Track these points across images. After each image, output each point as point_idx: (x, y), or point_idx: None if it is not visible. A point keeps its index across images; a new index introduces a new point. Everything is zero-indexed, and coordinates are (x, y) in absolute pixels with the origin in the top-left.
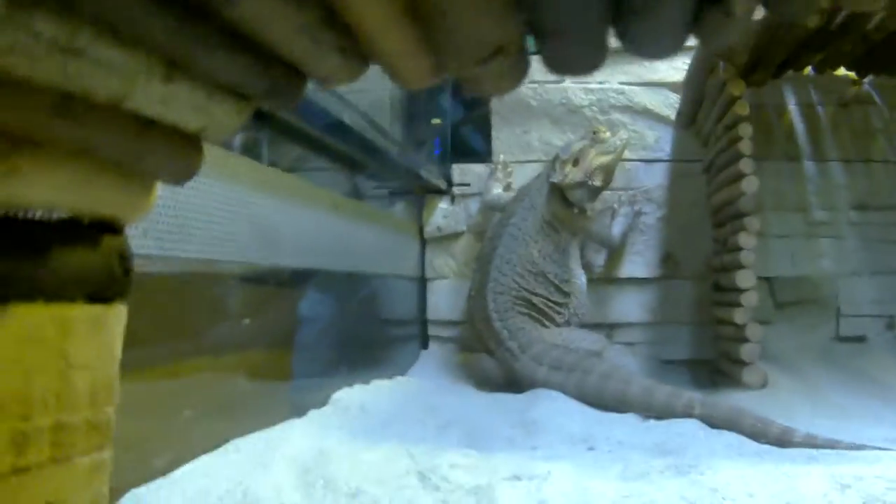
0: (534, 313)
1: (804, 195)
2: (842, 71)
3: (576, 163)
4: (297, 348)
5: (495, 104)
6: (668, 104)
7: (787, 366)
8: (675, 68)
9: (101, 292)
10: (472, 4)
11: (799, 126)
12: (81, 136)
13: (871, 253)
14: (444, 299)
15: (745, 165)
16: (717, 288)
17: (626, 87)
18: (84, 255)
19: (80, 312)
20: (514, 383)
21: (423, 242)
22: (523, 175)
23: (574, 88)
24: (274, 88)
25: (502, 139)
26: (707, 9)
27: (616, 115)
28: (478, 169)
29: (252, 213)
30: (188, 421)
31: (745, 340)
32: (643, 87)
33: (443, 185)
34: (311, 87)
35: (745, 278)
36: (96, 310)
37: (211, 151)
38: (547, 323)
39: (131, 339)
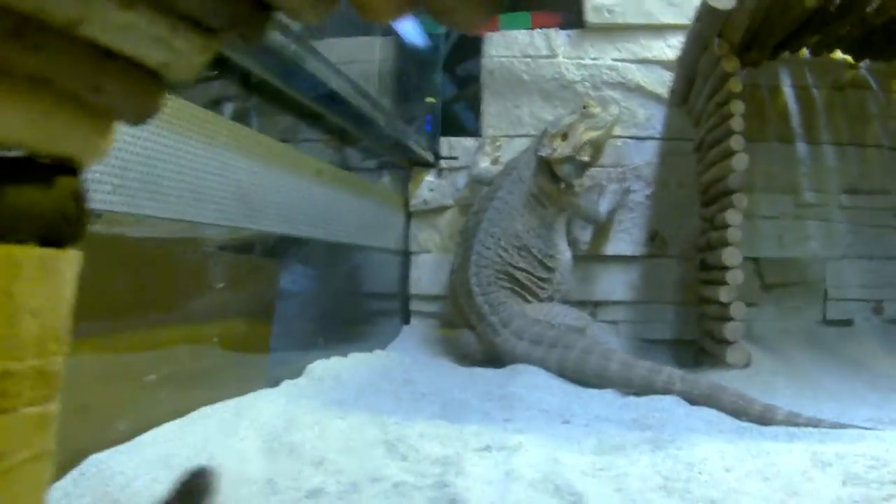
0: (516, 288)
1: (795, 177)
2: (838, 54)
3: (565, 137)
4: (275, 319)
5: (486, 78)
6: (661, 82)
7: (772, 347)
8: (670, 46)
9: (53, 234)
10: None
11: (793, 108)
12: (38, 64)
13: (860, 237)
14: (428, 274)
15: (736, 142)
16: (703, 266)
17: (619, 64)
18: (37, 194)
19: (31, 254)
20: (494, 358)
21: (409, 215)
22: (512, 150)
23: (567, 63)
24: (236, 19)
25: (492, 113)
26: None
27: (608, 92)
28: (466, 142)
29: (230, 175)
30: (155, 388)
31: (730, 319)
32: (636, 64)
33: (430, 157)
34: (302, 55)
35: (731, 256)
36: (48, 252)
37: (188, 109)
38: (530, 298)
39: (102, 303)
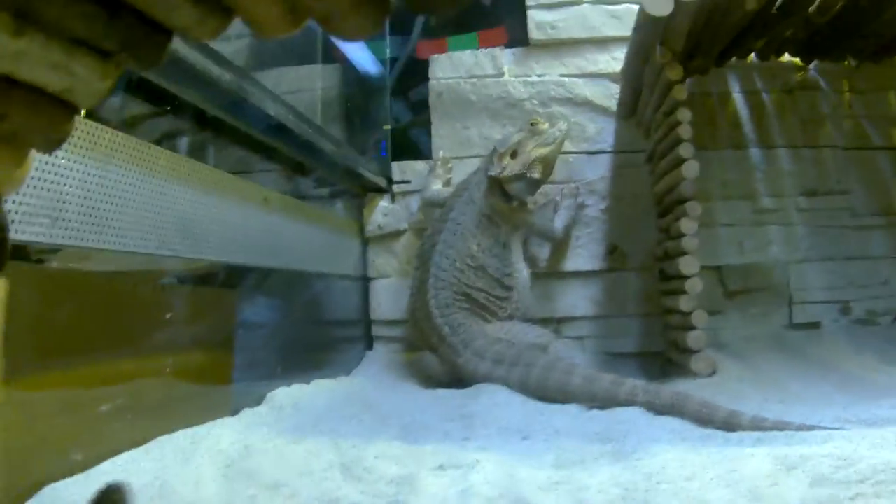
0: (476, 308)
1: (751, 183)
2: (786, 57)
3: (514, 155)
4: (235, 348)
5: (434, 101)
6: (609, 95)
7: (738, 354)
8: (615, 59)
9: None
10: None
11: (744, 114)
12: None
13: (822, 238)
14: (388, 298)
15: (685, 150)
16: (662, 277)
17: (566, 80)
18: None
19: None
20: (458, 379)
21: (365, 241)
22: (464, 171)
23: (513, 82)
24: (130, 42)
25: (442, 135)
26: None
27: (557, 108)
28: (418, 166)
29: (170, 205)
30: (113, 419)
31: (692, 328)
32: (583, 79)
33: (383, 182)
34: (251, 90)
35: (688, 264)
36: None
37: (125, 140)
38: (489, 318)
39: (59, 337)
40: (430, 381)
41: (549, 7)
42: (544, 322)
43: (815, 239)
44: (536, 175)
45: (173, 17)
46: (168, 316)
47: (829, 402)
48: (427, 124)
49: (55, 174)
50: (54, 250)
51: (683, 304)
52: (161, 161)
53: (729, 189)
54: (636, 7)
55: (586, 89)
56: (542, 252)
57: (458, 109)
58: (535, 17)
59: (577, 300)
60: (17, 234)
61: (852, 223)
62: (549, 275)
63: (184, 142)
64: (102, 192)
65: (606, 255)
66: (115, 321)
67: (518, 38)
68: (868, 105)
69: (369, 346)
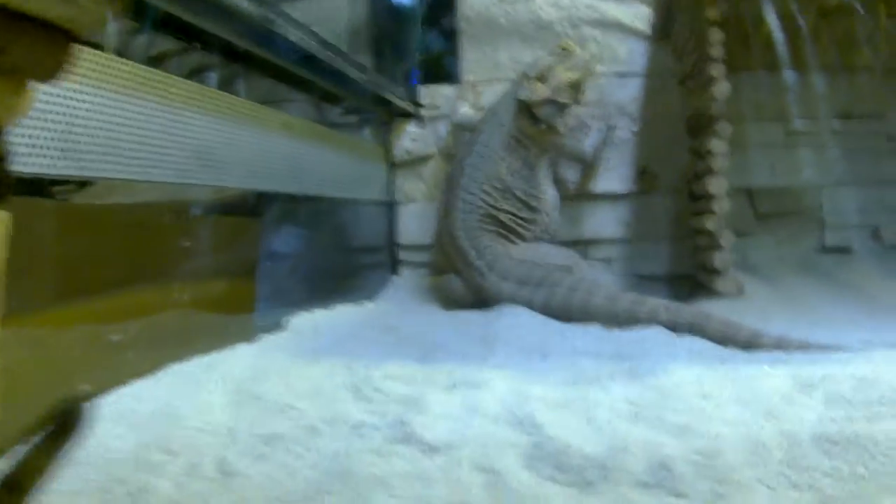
0: (502, 231)
1: (784, 105)
2: None
3: (543, 79)
4: (255, 277)
5: (464, 24)
6: (640, 16)
7: (767, 276)
8: None
9: None
10: None
11: (778, 36)
12: None
13: (855, 162)
14: (415, 223)
15: (716, 70)
16: (691, 197)
17: (595, 2)
18: None
19: None
20: (482, 302)
21: (393, 166)
22: (494, 95)
23: (543, 4)
24: None
25: (471, 59)
26: None
27: (587, 30)
28: (446, 90)
29: (187, 133)
30: (126, 350)
31: (719, 248)
32: (614, 1)
33: (411, 108)
34: (277, 20)
35: (716, 184)
36: None
37: (138, 70)
38: (515, 240)
39: (78, 270)
40: (455, 303)
41: None
42: (573, 244)
43: (848, 163)
44: (566, 99)
45: None
46: (190, 246)
47: (857, 326)
48: (457, 49)
49: (66, 105)
50: (80, 185)
51: (710, 223)
52: (174, 89)
53: (762, 111)
54: None
55: (617, 11)
56: (572, 174)
57: (487, 33)
58: None
59: (607, 222)
60: (24, 167)
61: (887, 147)
62: (579, 197)
63: (211, 75)
64: (115, 122)
65: (637, 177)
66: (135, 253)
67: None
68: None
69: (395, 271)
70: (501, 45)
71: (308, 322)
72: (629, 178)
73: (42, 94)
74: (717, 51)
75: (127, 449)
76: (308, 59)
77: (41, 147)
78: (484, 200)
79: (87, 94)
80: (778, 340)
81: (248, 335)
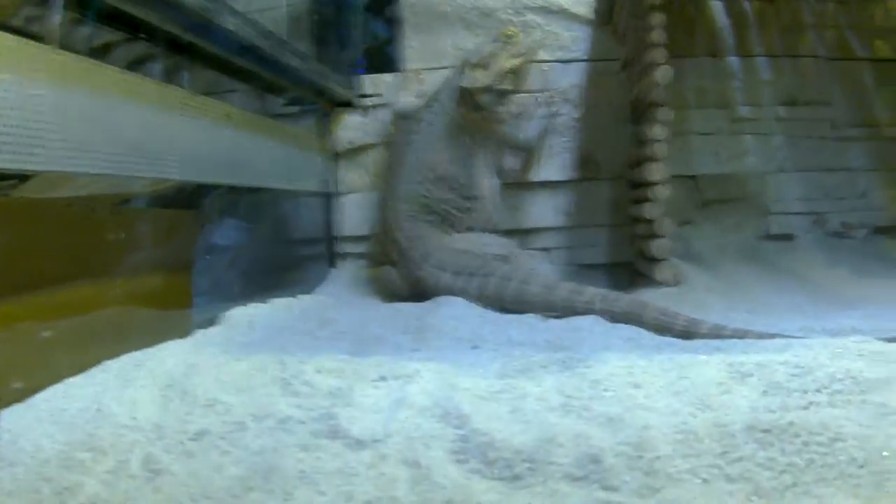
0: (439, 221)
1: (728, 92)
2: None
3: (485, 66)
4: (190, 271)
5: (407, 11)
6: (585, 2)
7: (709, 264)
8: None
9: None
10: None
11: (723, 21)
12: None
13: (800, 149)
14: (356, 214)
15: (658, 55)
16: (631, 185)
17: None
18: None
19: None
20: (419, 293)
21: (335, 157)
22: (436, 82)
23: None
24: None
25: (414, 47)
26: None
27: (531, 17)
28: (389, 79)
29: (120, 123)
30: (58, 347)
31: (658, 236)
32: None
33: (353, 97)
34: (215, 9)
35: (655, 171)
36: None
37: (64, 58)
38: (452, 230)
39: (5, 266)
40: (392, 295)
41: None
42: (512, 233)
43: (792, 150)
44: (508, 86)
45: None
46: (124, 239)
47: (798, 313)
48: (400, 37)
49: None
50: (20, 180)
51: (649, 211)
52: (108, 79)
53: (705, 97)
54: None
55: None
56: (514, 163)
57: (430, 20)
58: None
59: (547, 211)
60: None
61: (832, 135)
62: (520, 185)
63: (149, 66)
64: (44, 111)
65: (579, 165)
66: (68, 248)
67: None
68: (851, 15)
69: (333, 264)
70: (445, 33)
71: (243, 316)
72: (571, 165)
73: None
74: (658, 35)
75: (56, 448)
76: (248, 49)
77: None
78: (425, 189)
79: (19, 84)
80: (715, 328)
81: (182, 330)
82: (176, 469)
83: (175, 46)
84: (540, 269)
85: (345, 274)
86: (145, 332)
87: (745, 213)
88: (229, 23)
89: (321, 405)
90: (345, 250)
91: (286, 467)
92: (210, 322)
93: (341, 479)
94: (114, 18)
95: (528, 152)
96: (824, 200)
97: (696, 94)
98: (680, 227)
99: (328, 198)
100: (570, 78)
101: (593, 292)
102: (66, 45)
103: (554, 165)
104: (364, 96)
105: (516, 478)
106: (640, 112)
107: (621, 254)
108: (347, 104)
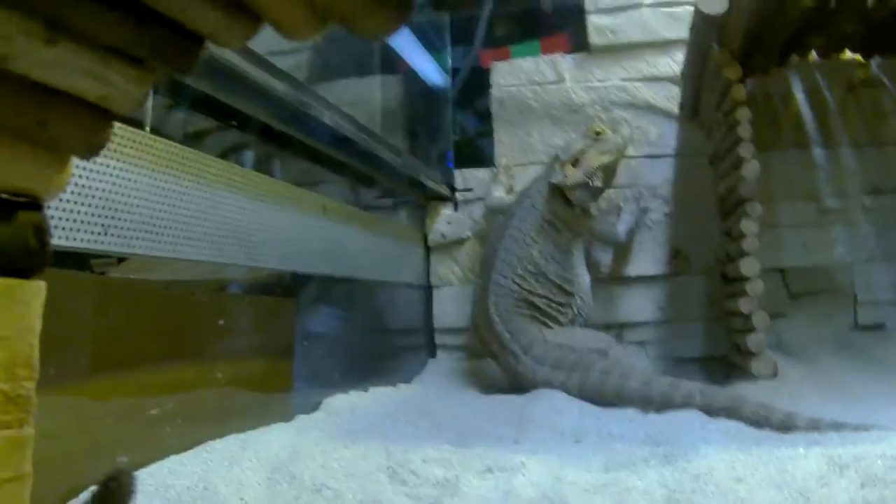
0: (536, 314)
1: (815, 183)
2: (847, 54)
3: (576, 163)
4: (291, 357)
5: (496, 108)
6: (671, 97)
7: (801, 356)
8: (675, 61)
9: (15, 264)
10: None
11: (806, 113)
12: None
13: (887, 238)
14: (451, 307)
15: (745, 150)
16: (724, 279)
17: (626, 84)
18: None
19: None
20: (518, 386)
21: (428, 249)
22: (526, 178)
23: (574, 87)
24: (160, 48)
25: (504, 142)
26: None
27: (618, 112)
28: (480, 174)
29: (223, 212)
30: (162, 424)
31: (752, 330)
32: (644, 82)
33: (445, 191)
34: (311, 102)
35: (748, 266)
36: (11, 282)
37: (175, 149)
38: (550, 324)
39: (114, 344)
40: (491, 388)
41: (609, 11)
42: (607, 328)
43: (880, 239)
44: (598, 183)
45: (200, 22)
46: (225, 324)
47: (892, 403)
48: (490, 132)
49: (107, 182)
50: (118, 260)
51: (744, 305)
52: (212, 170)
53: (792, 189)
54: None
55: (647, 93)
56: (605, 258)
57: (519, 116)
58: (594, 21)
59: (640, 305)
60: (67, 241)
61: None
62: (612, 280)
63: (248, 155)
64: (155, 200)
65: (670, 259)
66: (171, 329)
67: (578, 43)
68: None
69: (432, 354)
70: (533, 128)
71: (344, 403)
72: (662, 260)
73: (85, 171)
74: (745, 130)
75: None
76: (343, 141)
77: (84, 223)
78: (518, 284)
79: (128, 171)
80: (811, 422)
81: (284, 414)
82: None
83: (278, 138)
84: (637, 364)
85: (442, 364)
86: (247, 415)
87: (834, 304)
88: (326, 116)
89: (430, 494)
90: (442, 342)
91: None
92: (311, 408)
93: None
94: (217, 109)
95: (620, 247)
96: None
97: (783, 186)
98: (771, 320)
99: (426, 289)
100: (659, 173)
101: (691, 386)
102: (160, 131)
103: (646, 260)
104: (456, 190)
105: None
106: (728, 206)
107: (715, 347)
108: (441, 198)
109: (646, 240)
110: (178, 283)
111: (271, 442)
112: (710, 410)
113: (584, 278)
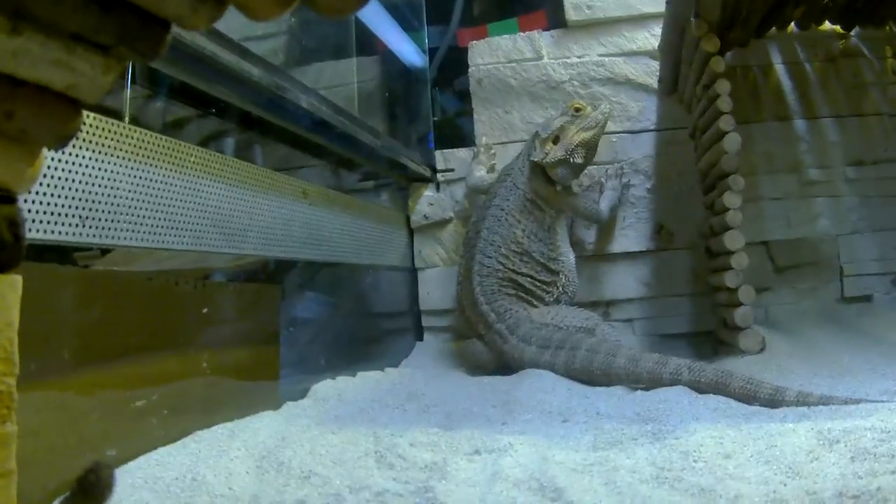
0: (521, 294)
1: (797, 155)
2: (827, 25)
3: (556, 140)
4: (277, 344)
5: (475, 87)
6: (650, 72)
7: (788, 330)
8: (654, 35)
9: None
10: None
11: (787, 84)
12: None
13: (870, 209)
14: (436, 288)
15: (725, 123)
16: (708, 254)
17: (605, 59)
18: None
19: None
20: (505, 366)
21: (412, 232)
22: (507, 156)
23: (553, 64)
24: (126, 34)
25: (484, 121)
26: None
27: (597, 88)
28: (461, 154)
29: (203, 200)
30: (149, 416)
31: (739, 304)
32: (623, 57)
33: (427, 172)
34: (288, 86)
35: (732, 240)
36: None
37: (151, 138)
38: (535, 303)
39: (98, 337)
40: (478, 369)
41: None
42: (593, 305)
43: (864, 210)
44: (579, 160)
45: (165, 6)
46: (210, 313)
47: (879, 375)
48: (469, 112)
49: (84, 174)
50: (102, 252)
51: (729, 280)
52: (191, 158)
53: (774, 162)
54: None
55: (626, 68)
56: (588, 235)
57: (498, 95)
58: None
59: (626, 282)
60: (44, 235)
61: None
62: (597, 257)
63: (228, 143)
64: (134, 190)
65: (654, 235)
66: (156, 320)
67: (556, 20)
68: None
69: (419, 337)
70: (513, 107)
71: (332, 389)
72: (646, 235)
73: (62, 163)
74: (725, 103)
75: None
76: (321, 125)
77: (61, 215)
78: (502, 264)
79: (105, 162)
80: (800, 396)
81: (272, 402)
82: None
83: (257, 124)
84: (624, 341)
85: (429, 347)
86: (234, 403)
87: (820, 277)
88: (303, 100)
89: (417, 478)
90: (429, 324)
91: None
92: (298, 394)
93: None
94: (195, 97)
95: (603, 224)
96: None
97: (765, 159)
98: (757, 294)
99: (412, 272)
100: (640, 148)
101: (678, 363)
102: (139, 121)
103: (630, 236)
104: (437, 171)
105: None
106: (711, 180)
107: (702, 322)
108: (423, 179)
109: (629, 216)
110: (162, 273)
111: (259, 430)
112: (699, 387)
113: (568, 256)
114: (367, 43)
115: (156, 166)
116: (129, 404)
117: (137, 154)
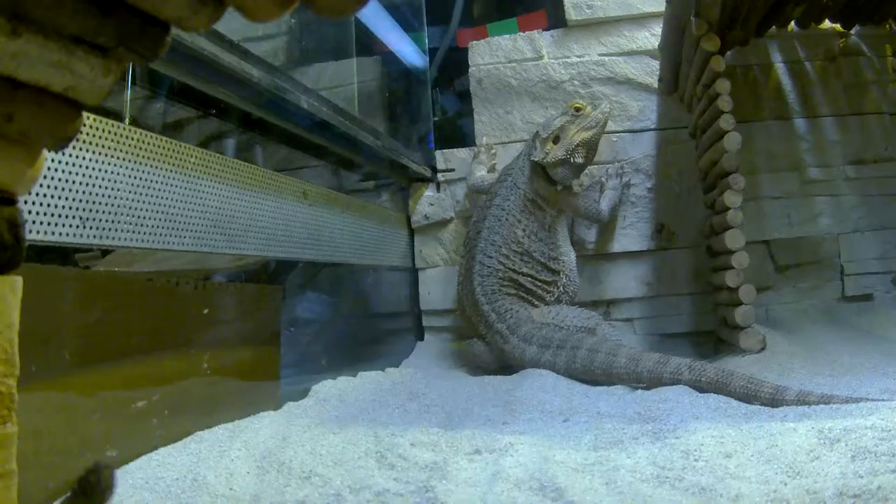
0: (522, 293)
1: (797, 154)
2: (827, 24)
3: (556, 140)
4: (278, 344)
5: (475, 87)
6: (650, 72)
7: (789, 329)
8: (654, 34)
9: None
10: None
11: (787, 83)
12: None
13: (871, 208)
14: (437, 288)
15: (726, 122)
16: (709, 253)
17: (605, 59)
18: None
19: None
20: (506, 365)
21: (412, 232)
22: (508, 156)
23: (553, 64)
24: (125, 36)
25: (484, 121)
26: None
27: (598, 88)
28: (461, 153)
29: (204, 201)
30: (150, 417)
31: (740, 304)
32: (623, 57)
33: (427, 172)
34: (288, 87)
35: (733, 239)
36: None
37: (152, 139)
38: (536, 302)
39: (99, 337)
40: (479, 368)
41: None
42: (594, 305)
43: (864, 208)
44: (580, 159)
45: (164, 8)
46: (211, 313)
47: (881, 374)
48: (469, 112)
49: (85, 175)
50: (103, 253)
51: (730, 279)
52: (192, 159)
53: (775, 161)
54: None
55: (627, 67)
56: (589, 234)
57: (499, 95)
58: None
59: (627, 281)
60: (45, 235)
61: None
62: (598, 257)
63: (228, 143)
64: (134, 191)
65: (654, 234)
66: (157, 320)
67: (556, 19)
68: None
69: (420, 337)
70: (513, 106)
71: (333, 389)
72: (647, 235)
73: (62, 165)
74: (725, 102)
75: None
76: (321, 126)
77: (62, 216)
78: (503, 264)
79: (106, 163)
80: (801, 395)
81: (273, 402)
82: None
83: (257, 125)
84: (625, 341)
85: (430, 346)
86: (235, 404)
87: (821, 276)
88: (303, 101)
89: (418, 478)
90: (429, 324)
91: None
92: (299, 395)
93: None
94: (196, 98)
95: (603, 224)
96: None
97: (765, 158)
98: (758, 293)
99: (413, 272)
100: (641, 148)
101: (679, 362)
102: (140, 122)
103: (631, 236)
104: (437, 171)
105: None
106: (711, 179)
107: (703, 322)
108: (423, 179)
109: (630, 215)
110: (162, 274)
111: (260, 430)
112: (699, 386)
113: (569, 256)
114: (368, 43)
115: (156, 167)
116: (130, 405)
117: (138, 155)
